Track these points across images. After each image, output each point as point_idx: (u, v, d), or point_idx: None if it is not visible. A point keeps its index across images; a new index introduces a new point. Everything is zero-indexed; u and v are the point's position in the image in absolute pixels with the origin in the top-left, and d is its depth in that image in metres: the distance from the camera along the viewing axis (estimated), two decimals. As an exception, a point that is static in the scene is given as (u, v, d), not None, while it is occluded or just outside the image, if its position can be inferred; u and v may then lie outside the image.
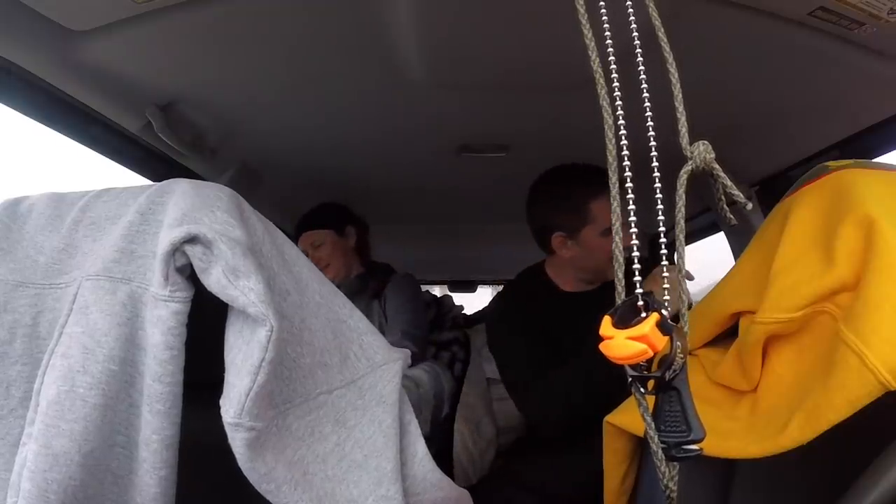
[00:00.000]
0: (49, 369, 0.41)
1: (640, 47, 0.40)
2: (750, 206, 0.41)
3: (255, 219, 0.48)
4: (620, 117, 0.38)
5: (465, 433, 1.51)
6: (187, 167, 1.47)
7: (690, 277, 1.26)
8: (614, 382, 1.00)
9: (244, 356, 0.41)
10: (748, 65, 1.11)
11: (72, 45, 0.96)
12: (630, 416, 0.68)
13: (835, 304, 0.51)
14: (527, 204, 1.37)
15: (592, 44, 0.40)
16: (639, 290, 0.37)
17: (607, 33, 0.39)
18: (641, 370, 0.37)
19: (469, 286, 3.51)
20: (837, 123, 1.28)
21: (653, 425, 0.39)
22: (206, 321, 0.42)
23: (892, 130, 1.19)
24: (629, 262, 0.39)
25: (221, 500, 0.50)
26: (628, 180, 0.39)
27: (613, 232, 0.40)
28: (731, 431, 0.55)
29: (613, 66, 0.39)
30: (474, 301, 2.96)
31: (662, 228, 0.39)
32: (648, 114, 0.39)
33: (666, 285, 0.40)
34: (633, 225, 0.39)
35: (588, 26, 0.40)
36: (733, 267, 0.65)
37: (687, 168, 0.40)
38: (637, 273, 0.38)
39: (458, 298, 2.29)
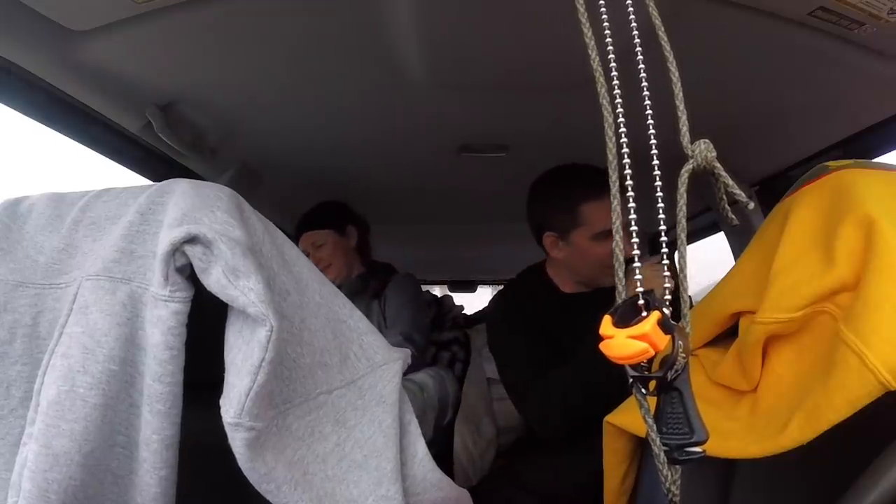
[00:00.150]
0: (49, 369, 0.41)
1: (640, 46, 0.40)
2: (752, 205, 0.41)
3: (255, 219, 0.48)
4: (620, 115, 0.38)
5: (466, 433, 1.51)
6: (187, 167, 1.47)
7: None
8: (613, 383, 1.01)
9: (244, 356, 0.41)
10: (748, 65, 1.11)
11: (72, 45, 0.96)
12: (630, 417, 0.68)
13: (835, 304, 0.51)
14: (527, 201, 1.37)
15: (592, 43, 0.40)
16: (639, 289, 0.37)
17: (607, 32, 0.39)
18: (642, 370, 0.37)
19: (469, 286, 3.51)
20: (837, 123, 1.28)
21: (654, 427, 0.39)
22: (206, 321, 0.42)
23: (892, 130, 1.19)
24: (629, 261, 0.39)
25: (221, 500, 0.50)
26: (629, 178, 0.39)
27: (614, 231, 0.40)
28: (731, 431, 0.55)
29: (613, 65, 0.39)
30: (474, 301, 2.96)
31: (664, 227, 0.39)
32: (649, 112, 0.39)
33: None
34: (633, 223, 0.39)
35: (588, 25, 0.40)
36: (733, 267, 0.65)
37: (688, 166, 0.40)
38: (637, 272, 0.38)
39: (458, 298, 2.29)
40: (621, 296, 0.39)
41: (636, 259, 0.38)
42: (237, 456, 0.40)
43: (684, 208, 0.40)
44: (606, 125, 0.38)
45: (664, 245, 0.39)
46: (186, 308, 0.42)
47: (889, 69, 1.00)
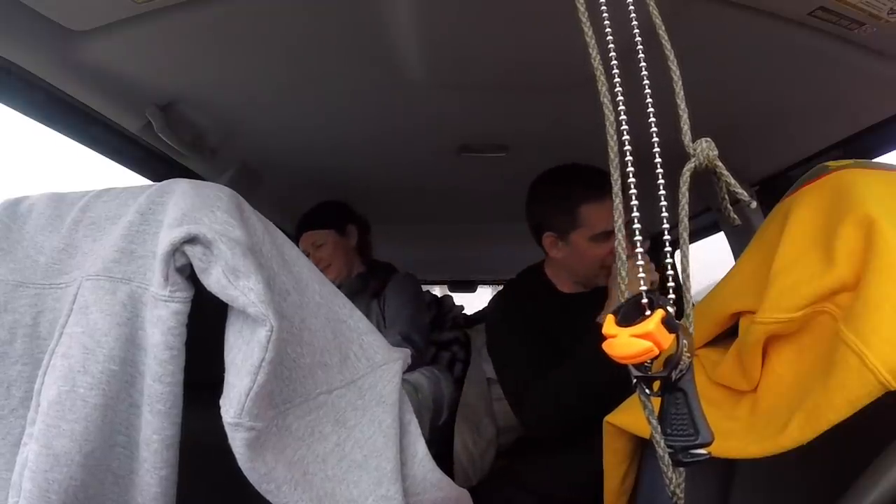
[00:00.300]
0: (49, 369, 0.41)
1: (640, 44, 0.40)
2: (754, 204, 0.41)
3: (255, 219, 0.48)
4: (622, 113, 0.38)
5: (466, 433, 1.51)
6: (187, 167, 1.47)
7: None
8: (608, 384, 1.02)
9: (244, 356, 0.41)
10: (748, 65, 1.11)
11: (72, 45, 0.95)
12: (631, 417, 0.68)
13: (835, 304, 0.51)
14: (526, 201, 1.37)
15: (593, 42, 0.40)
16: (643, 288, 0.37)
17: (608, 31, 0.39)
18: (646, 370, 0.37)
19: (469, 286, 3.51)
20: (837, 123, 1.28)
21: (659, 429, 0.38)
22: (206, 321, 0.42)
23: (892, 130, 1.19)
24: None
25: (221, 500, 0.50)
26: (631, 175, 0.38)
27: (616, 229, 0.40)
28: (731, 431, 0.55)
29: (615, 63, 0.39)
30: (474, 301, 2.97)
31: (666, 226, 0.39)
32: (651, 110, 0.39)
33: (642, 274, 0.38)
34: (636, 221, 0.39)
35: (588, 25, 0.40)
36: (733, 267, 0.65)
37: (690, 165, 0.40)
38: (641, 270, 0.37)
39: (458, 298, 2.29)
40: (623, 295, 0.39)
41: (639, 258, 0.38)
42: (237, 456, 0.40)
43: (686, 207, 0.40)
44: (608, 124, 0.38)
45: (667, 244, 0.39)
46: (186, 308, 0.42)
47: (889, 69, 1.00)
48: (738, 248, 1.82)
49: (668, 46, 0.41)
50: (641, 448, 0.72)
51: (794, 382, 0.53)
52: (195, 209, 0.43)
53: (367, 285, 1.65)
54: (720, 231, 1.95)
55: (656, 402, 0.39)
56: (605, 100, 0.38)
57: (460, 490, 0.57)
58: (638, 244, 0.38)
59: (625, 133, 0.38)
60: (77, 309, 0.43)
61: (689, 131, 0.40)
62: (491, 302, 1.58)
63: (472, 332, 1.82)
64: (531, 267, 1.46)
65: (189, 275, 0.42)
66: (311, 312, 0.47)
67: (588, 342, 1.14)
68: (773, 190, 1.59)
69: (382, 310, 1.62)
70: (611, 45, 0.39)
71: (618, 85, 0.39)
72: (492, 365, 1.42)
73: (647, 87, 0.39)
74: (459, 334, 1.80)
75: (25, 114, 1.05)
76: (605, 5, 0.40)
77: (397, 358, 0.54)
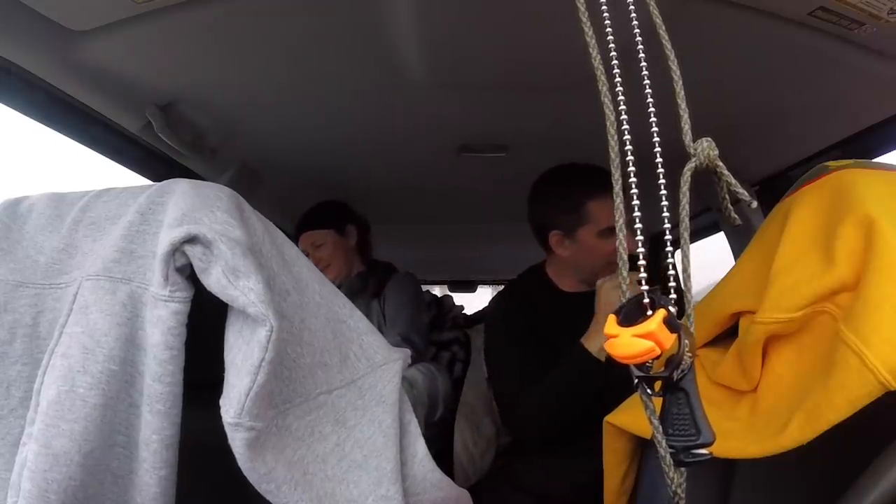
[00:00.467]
0: (49, 369, 0.41)
1: (641, 45, 0.39)
2: (755, 203, 0.41)
3: (255, 219, 0.47)
4: (623, 113, 0.38)
5: (466, 433, 1.51)
6: (187, 167, 1.47)
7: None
8: (594, 396, 1.03)
9: (244, 356, 0.41)
10: (748, 65, 1.11)
11: (72, 45, 0.95)
12: (631, 416, 0.68)
13: (835, 304, 0.51)
14: (528, 201, 1.37)
15: (593, 42, 0.40)
16: (644, 288, 0.36)
17: (608, 31, 0.39)
18: (648, 370, 0.37)
19: (469, 286, 3.51)
20: (837, 123, 1.28)
21: (660, 429, 0.38)
22: (206, 321, 0.42)
23: (892, 130, 1.19)
24: (633, 261, 0.39)
25: (221, 500, 0.50)
26: (631, 175, 0.38)
27: (617, 229, 0.40)
28: (731, 431, 0.55)
29: (615, 62, 0.39)
30: (474, 301, 2.96)
31: (667, 226, 0.39)
32: (651, 110, 0.39)
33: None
34: (637, 220, 0.39)
35: (588, 24, 0.40)
36: (733, 267, 0.65)
37: (690, 165, 0.40)
38: (642, 270, 0.37)
39: (458, 298, 2.29)
40: (625, 295, 0.39)
41: (640, 257, 0.38)
42: (237, 456, 0.40)
43: (687, 207, 0.40)
44: (608, 123, 0.38)
45: (668, 244, 0.39)
46: (186, 308, 0.42)
47: (889, 69, 1.00)
48: (738, 248, 1.82)
49: (669, 46, 0.41)
50: (641, 448, 0.72)
51: (794, 382, 0.53)
52: (195, 209, 0.43)
53: (366, 285, 1.65)
54: (720, 231, 1.95)
55: (658, 402, 0.39)
56: (606, 100, 0.38)
57: (460, 490, 0.57)
58: (639, 244, 0.38)
59: (625, 133, 0.38)
60: (77, 309, 0.43)
61: (689, 131, 0.40)
62: (491, 302, 1.58)
63: (472, 332, 1.82)
64: (532, 267, 1.46)
65: (189, 275, 0.42)
66: (311, 312, 0.47)
67: (573, 360, 1.17)
68: (773, 190, 1.59)
69: (383, 309, 1.61)
70: (611, 46, 0.39)
71: (618, 85, 0.39)
72: None
73: (647, 87, 0.39)
74: (459, 334, 1.80)
75: (25, 114, 1.05)
76: (605, 5, 0.40)
77: (397, 358, 0.54)
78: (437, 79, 1.18)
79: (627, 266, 0.41)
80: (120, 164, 1.35)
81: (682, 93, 0.40)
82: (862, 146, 1.27)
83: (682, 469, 0.40)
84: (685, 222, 0.40)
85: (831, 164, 0.59)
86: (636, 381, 0.38)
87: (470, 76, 1.18)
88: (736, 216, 0.44)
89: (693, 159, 0.40)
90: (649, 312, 0.36)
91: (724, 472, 0.62)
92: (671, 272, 0.39)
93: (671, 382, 0.37)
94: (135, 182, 1.28)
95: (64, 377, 0.40)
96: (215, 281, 0.41)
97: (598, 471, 0.75)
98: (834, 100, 1.18)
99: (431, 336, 1.73)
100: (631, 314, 0.36)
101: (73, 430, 0.40)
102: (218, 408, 0.41)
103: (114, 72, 1.06)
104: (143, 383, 0.42)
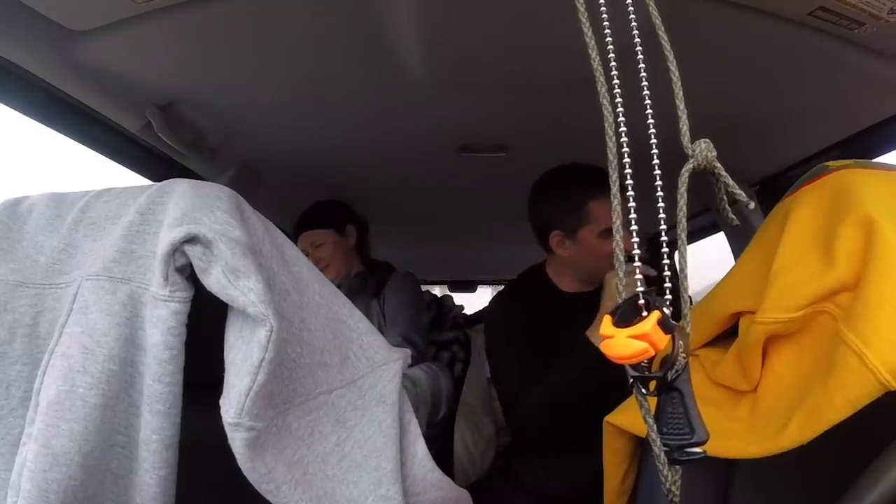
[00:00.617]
0: (49, 369, 0.41)
1: (640, 46, 0.40)
2: (752, 204, 0.41)
3: (255, 219, 0.48)
4: (620, 115, 0.38)
5: (466, 433, 1.51)
6: (187, 167, 1.47)
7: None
8: (596, 393, 1.03)
9: (244, 356, 0.41)
10: (748, 65, 1.11)
11: (72, 45, 0.95)
12: (630, 417, 0.68)
13: (835, 304, 0.51)
14: (529, 201, 1.37)
15: (592, 42, 0.40)
16: (640, 289, 0.37)
17: (607, 31, 0.39)
18: (643, 370, 0.37)
19: (469, 286, 3.51)
20: (837, 123, 1.28)
21: (655, 428, 0.38)
22: (206, 321, 0.42)
23: (892, 130, 1.19)
24: (630, 261, 0.39)
25: (221, 500, 0.50)
26: (629, 177, 0.39)
27: (614, 230, 0.40)
28: (731, 431, 0.55)
29: (613, 64, 0.39)
30: (474, 301, 2.96)
31: (664, 227, 0.39)
32: (649, 111, 0.39)
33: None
34: (633, 222, 0.39)
35: (588, 25, 0.40)
36: (733, 267, 0.65)
37: (688, 166, 0.40)
38: (638, 272, 0.38)
39: (458, 298, 2.29)
40: (621, 296, 0.39)
41: (636, 259, 0.38)
42: (237, 456, 0.40)
43: (685, 208, 0.40)
44: (607, 125, 0.38)
45: (664, 245, 0.39)
46: (186, 308, 0.42)
47: (889, 69, 1.00)
48: (738, 248, 1.82)
49: (668, 47, 0.41)
50: (641, 448, 0.72)
51: (794, 382, 0.53)
52: (195, 209, 0.43)
53: (366, 285, 1.65)
54: (720, 231, 1.95)
55: (653, 401, 0.40)
56: (605, 101, 0.39)
57: (460, 490, 0.57)
58: (635, 245, 0.38)
59: (623, 135, 0.38)
60: (77, 309, 0.43)
61: (687, 132, 0.40)
62: (491, 302, 1.58)
63: (472, 332, 1.82)
64: (532, 267, 1.46)
65: (189, 275, 0.42)
66: (311, 312, 0.47)
67: (575, 356, 1.18)
68: (773, 190, 1.59)
69: (382, 309, 1.61)
70: (610, 47, 0.39)
71: (616, 87, 0.39)
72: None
73: (645, 88, 0.39)
74: (459, 334, 1.80)
75: (25, 114, 1.05)
76: (604, 6, 0.40)
77: (397, 358, 0.54)
78: (437, 79, 1.18)
79: (624, 267, 0.41)
80: (120, 164, 1.35)
81: (681, 94, 0.40)
82: (862, 146, 1.27)
83: (677, 467, 0.40)
84: (683, 223, 0.40)
85: (831, 164, 0.59)
86: (631, 380, 0.38)
87: (470, 76, 1.18)
88: (733, 216, 0.44)
89: (691, 160, 0.40)
90: (644, 313, 0.36)
91: (724, 472, 0.62)
92: (667, 273, 0.39)
93: (665, 382, 0.38)
94: (135, 182, 1.28)
95: (64, 377, 0.40)
96: (215, 281, 0.41)
97: (598, 471, 0.75)
98: (834, 100, 1.18)
99: (431, 336, 1.73)
100: (626, 315, 0.36)
101: (72, 430, 0.40)
102: (218, 408, 0.41)
103: (114, 72, 1.06)
104: (142, 383, 0.42)
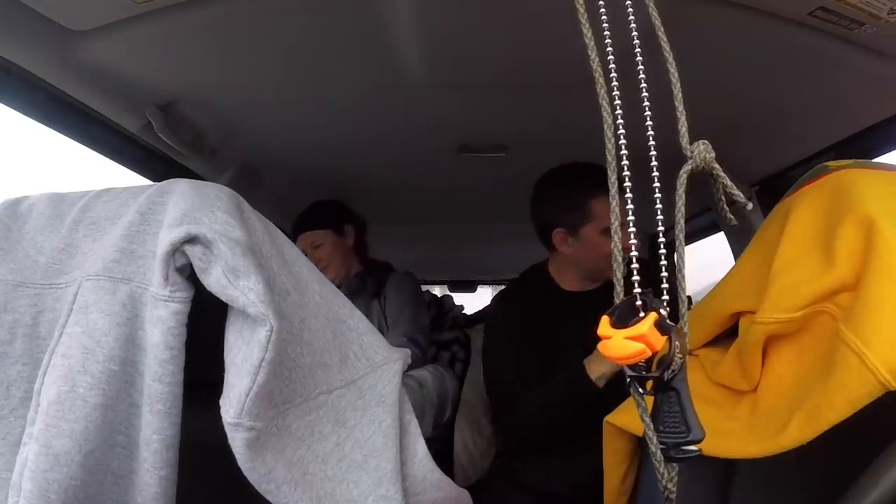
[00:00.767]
0: (49, 369, 0.41)
1: (639, 47, 0.40)
2: (750, 206, 0.41)
3: (255, 219, 0.48)
4: (620, 117, 0.38)
5: (466, 433, 1.51)
6: (187, 167, 1.47)
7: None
8: (584, 410, 1.03)
9: (244, 356, 0.41)
10: (748, 65, 1.11)
11: (72, 45, 0.96)
12: (630, 416, 0.68)
13: (835, 304, 0.51)
14: (530, 201, 1.38)
15: (592, 43, 0.40)
16: (637, 290, 0.37)
17: (607, 33, 0.39)
18: (640, 370, 0.37)
19: (469, 286, 3.51)
20: (837, 123, 1.28)
21: (651, 426, 0.39)
22: (206, 321, 0.42)
23: (892, 130, 1.19)
24: (628, 262, 0.39)
25: (221, 500, 0.50)
26: (627, 179, 0.39)
27: (612, 231, 0.40)
28: (731, 431, 0.55)
29: (613, 66, 0.39)
30: (474, 301, 2.96)
31: (662, 228, 0.39)
32: (648, 113, 0.39)
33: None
34: (631, 224, 0.39)
35: (588, 26, 0.40)
36: (733, 267, 0.65)
37: (687, 167, 0.40)
38: (636, 273, 0.38)
39: (458, 298, 2.29)
40: (619, 296, 0.39)
41: (633, 260, 0.38)
42: (237, 456, 0.40)
43: (683, 209, 0.40)
44: (606, 126, 0.38)
45: (662, 245, 0.39)
46: (186, 308, 0.42)
47: (889, 69, 1.00)
48: (738, 249, 1.82)
49: (668, 49, 0.41)
50: (641, 448, 0.72)
51: (794, 382, 0.53)
52: (195, 209, 0.43)
53: (365, 285, 1.65)
54: (720, 231, 1.95)
55: (650, 400, 0.40)
56: (604, 102, 0.39)
57: (460, 490, 0.57)
58: (633, 248, 0.38)
59: (622, 137, 0.39)
60: (77, 309, 0.43)
61: (686, 133, 0.40)
62: (493, 301, 1.59)
63: (472, 332, 1.82)
64: (535, 266, 1.47)
65: (189, 275, 0.42)
66: (311, 312, 0.47)
67: (572, 378, 1.19)
68: (773, 190, 1.59)
69: (383, 309, 1.61)
70: (609, 49, 0.39)
71: (615, 88, 0.39)
72: None
73: (644, 89, 0.39)
74: (459, 334, 1.80)
75: (25, 114, 1.05)
76: (604, 6, 0.40)
77: (397, 358, 0.54)
78: (437, 79, 1.18)
79: (622, 267, 0.41)
80: (120, 164, 1.35)
81: (680, 95, 0.40)
82: (862, 146, 1.27)
83: (674, 465, 0.40)
84: (681, 224, 0.40)
85: (831, 164, 0.59)
86: (628, 380, 0.39)
87: (470, 76, 1.18)
88: (732, 217, 0.44)
89: (689, 161, 0.40)
90: (642, 314, 0.36)
91: (724, 472, 0.63)
92: (665, 274, 0.39)
93: (662, 382, 0.38)
94: (135, 182, 1.28)
95: (64, 377, 0.40)
96: (215, 281, 0.41)
97: (598, 470, 0.75)
98: (834, 100, 1.18)
99: (431, 336, 1.73)
100: (624, 315, 0.37)
101: (73, 430, 0.40)
102: (218, 408, 0.41)
103: (114, 72, 1.06)
104: (143, 383, 0.42)
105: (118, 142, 1.29)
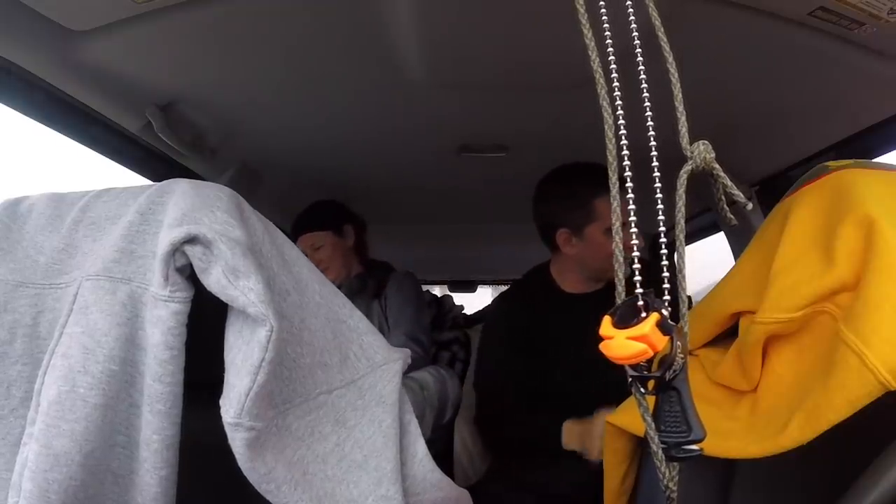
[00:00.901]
0: (49, 369, 0.41)
1: (640, 47, 0.40)
2: (750, 206, 0.41)
3: (255, 219, 0.48)
4: (620, 117, 0.38)
5: (466, 433, 1.52)
6: (187, 167, 1.47)
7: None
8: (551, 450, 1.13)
9: (244, 356, 0.41)
10: (748, 65, 1.11)
11: (72, 45, 0.95)
12: (630, 416, 0.68)
13: (835, 304, 0.51)
14: (533, 201, 1.38)
15: (592, 43, 0.40)
16: (639, 290, 0.37)
17: (607, 33, 0.39)
18: (641, 370, 0.37)
19: (469, 286, 3.51)
20: (837, 123, 1.28)
21: (653, 426, 0.39)
22: (206, 321, 0.42)
23: (892, 130, 1.19)
24: (630, 261, 0.39)
25: (221, 500, 0.50)
26: (628, 180, 0.39)
27: (613, 231, 0.40)
28: (731, 431, 0.55)
29: (613, 66, 0.39)
30: (474, 301, 2.96)
31: (662, 228, 0.39)
32: (648, 113, 0.39)
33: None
34: (633, 225, 0.39)
35: (588, 26, 0.40)
36: (733, 267, 0.65)
37: (687, 168, 0.40)
38: (638, 273, 0.38)
39: (458, 298, 2.29)
40: (621, 296, 0.39)
41: (635, 260, 0.38)
42: (237, 456, 0.40)
43: (683, 209, 0.40)
44: (606, 126, 0.38)
45: (664, 246, 0.39)
46: (186, 308, 0.42)
47: (889, 69, 1.00)
48: (738, 249, 1.82)
49: (668, 48, 0.41)
50: (641, 448, 0.72)
51: (794, 382, 0.53)
52: (195, 209, 0.43)
53: (366, 285, 1.65)
54: (720, 231, 1.95)
55: (651, 400, 0.40)
56: (605, 102, 0.39)
57: (460, 490, 0.57)
58: (635, 247, 0.38)
59: (623, 137, 0.39)
60: (77, 309, 0.43)
61: (686, 134, 0.40)
62: (494, 301, 1.59)
63: (472, 332, 1.82)
64: (538, 267, 1.47)
65: (189, 275, 0.42)
66: (311, 312, 0.47)
67: (552, 432, 1.24)
68: (773, 190, 1.59)
69: (384, 309, 1.61)
70: (610, 49, 0.39)
71: (616, 87, 0.39)
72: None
73: (645, 89, 0.39)
74: (459, 334, 1.80)
75: (25, 114, 1.05)
76: (604, 6, 0.40)
77: (397, 358, 0.54)
78: (437, 79, 1.18)
79: (624, 267, 0.41)
80: (120, 164, 1.35)
81: (681, 95, 0.40)
82: (862, 146, 1.27)
83: (675, 465, 0.40)
84: (681, 224, 0.40)
85: (831, 164, 0.59)
86: (630, 380, 0.39)
87: (470, 76, 1.18)
88: (732, 217, 0.44)
89: (690, 162, 0.40)
90: (643, 314, 0.36)
91: (724, 472, 0.63)
92: (666, 274, 0.39)
93: (664, 382, 0.38)
94: (135, 182, 1.28)
95: (64, 377, 0.40)
96: (215, 281, 0.41)
97: (598, 470, 0.75)
98: (834, 100, 1.18)
99: (431, 336, 1.73)
100: (625, 316, 0.37)
101: (73, 430, 0.40)
102: (218, 408, 0.41)
103: (114, 72, 1.06)
104: (143, 383, 0.42)
105: (118, 142, 1.29)
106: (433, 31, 1.01)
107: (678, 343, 0.37)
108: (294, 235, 1.68)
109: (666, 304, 0.37)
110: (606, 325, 0.37)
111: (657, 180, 0.39)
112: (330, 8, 0.95)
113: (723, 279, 0.66)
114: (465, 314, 2.09)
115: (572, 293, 1.38)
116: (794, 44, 0.99)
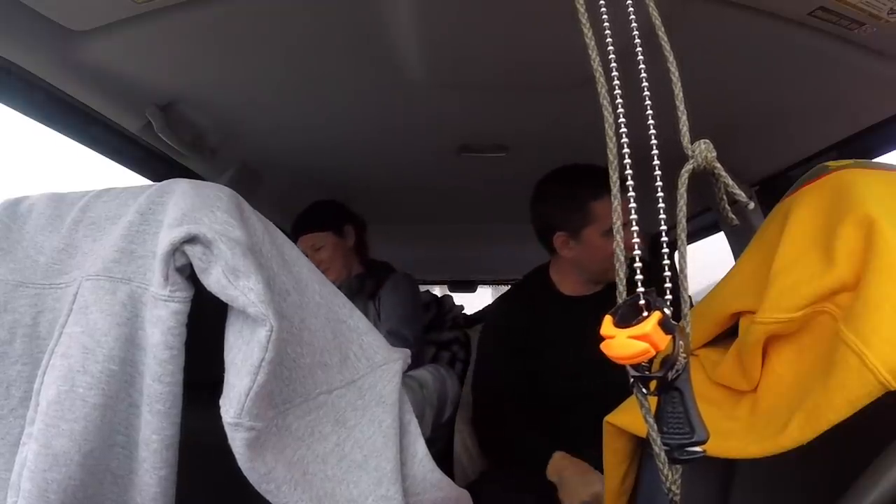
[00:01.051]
0: (49, 369, 0.41)
1: (640, 46, 0.40)
2: (752, 205, 0.41)
3: (255, 219, 0.48)
4: (621, 115, 0.38)
5: (466, 433, 1.52)
6: (187, 167, 1.47)
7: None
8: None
9: (244, 356, 0.41)
10: (748, 65, 1.11)
11: (72, 45, 0.96)
12: (630, 417, 0.68)
13: (835, 304, 0.51)
14: (530, 203, 1.37)
15: (592, 43, 0.40)
16: (640, 290, 0.37)
17: (607, 32, 0.39)
18: (643, 370, 0.37)
19: (469, 286, 3.52)
20: (837, 123, 1.28)
21: (655, 427, 0.38)
22: (206, 321, 0.42)
23: (892, 130, 1.19)
24: (631, 261, 0.39)
25: (221, 500, 0.50)
26: (629, 178, 0.39)
27: (615, 231, 0.40)
28: (731, 431, 0.55)
29: (614, 65, 0.39)
30: (474, 301, 2.97)
31: (664, 227, 0.39)
32: (649, 112, 0.39)
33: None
34: (634, 224, 0.39)
35: (588, 25, 0.40)
36: (733, 267, 0.65)
37: (688, 167, 0.40)
38: (639, 272, 0.38)
39: (458, 298, 2.29)
40: (622, 295, 0.39)
41: (637, 259, 0.38)
42: (237, 456, 0.40)
43: (684, 208, 0.40)
44: (607, 125, 0.38)
45: (664, 245, 0.39)
46: (186, 308, 0.42)
47: (889, 69, 1.00)
48: (738, 248, 1.82)
49: (668, 48, 0.41)
50: (641, 448, 0.72)
51: (794, 382, 0.53)
52: (195, 209, 0.43)
53: (364, 286, 1.65)
54: (720, 231, 1.95)
55: (653, 401, 0.40)
56: (605, 101, 0.38)
57: (460, 490, 0.57)
58: (636, 246, 0.38)
59: (623, 136, 0.38)
60: (77, 309, 0.43)
61: (687, 133, 0.40)
62: (494, 303, 1.59)
63: (472, 332, 1.82)
64: (538, 268, 1.47)
65: (189, 275, 0.42)
66: (311, 312, 0.47)
67: (539, 458, 1.25)
68: (773, 190, 1.60)
69: (378, 310, 1.61)
70: (610, 48, 0.39)
71: (616, 87, 0.39)
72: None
73: (646, 88, 0.39)
74: (459, 334, 1.80)
75: (25, 114, 1.05)
76: (604, 6, 0.40)
77: (397, 358, 0.54)
78: (437, 79, 1.18)
79: (625, 268, 0.41)
80: (120, 164, 1.35)
81: (681, 94, 0.40)
82: (862, 146, 1.27)
83: (678, 467, 0.40)
84: (682, 223, 0.40)
85: (831, 164, 0.59)
86: (631, 380, 0.38)
87: (470, 76, 1.18)
88: (733, 216, 0.44)
89: (691, 161, 0.40)
90: (645, 314, 0.36)
91: (724, 472, 0.62)
92: (667, 273, 0.39)
93: (666, 382, 0.38)
94: (135, 182, 1.28)
95: (64, 377, 0.40)
96: (215, 281, 0.41)
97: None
98: (834, 100, 1.18)
99: (431, 336, 1.73)
100: (627, 315, 0.36)
101: (72, 429, 0.40)
102: (218, 408, 0.41)
103: (114, 72, 1.06)
104: (142, 383, 0.42)
105: (118, 142, 1.29)
106: (433, 31, 1.01)
107: (680, 342, 0.37)
108: (294, 236, 1.68)
109: (668, 303, 0.37)
110: (608, 325, 0.36)
111: (658, 179, 0.39)
112: (330, 8, 0.95)
113: (723, 279, 0.66)
114: (465, 314, 2.09)
115: (571, 295, 1.38)
116: (794, 44, 0.99)
